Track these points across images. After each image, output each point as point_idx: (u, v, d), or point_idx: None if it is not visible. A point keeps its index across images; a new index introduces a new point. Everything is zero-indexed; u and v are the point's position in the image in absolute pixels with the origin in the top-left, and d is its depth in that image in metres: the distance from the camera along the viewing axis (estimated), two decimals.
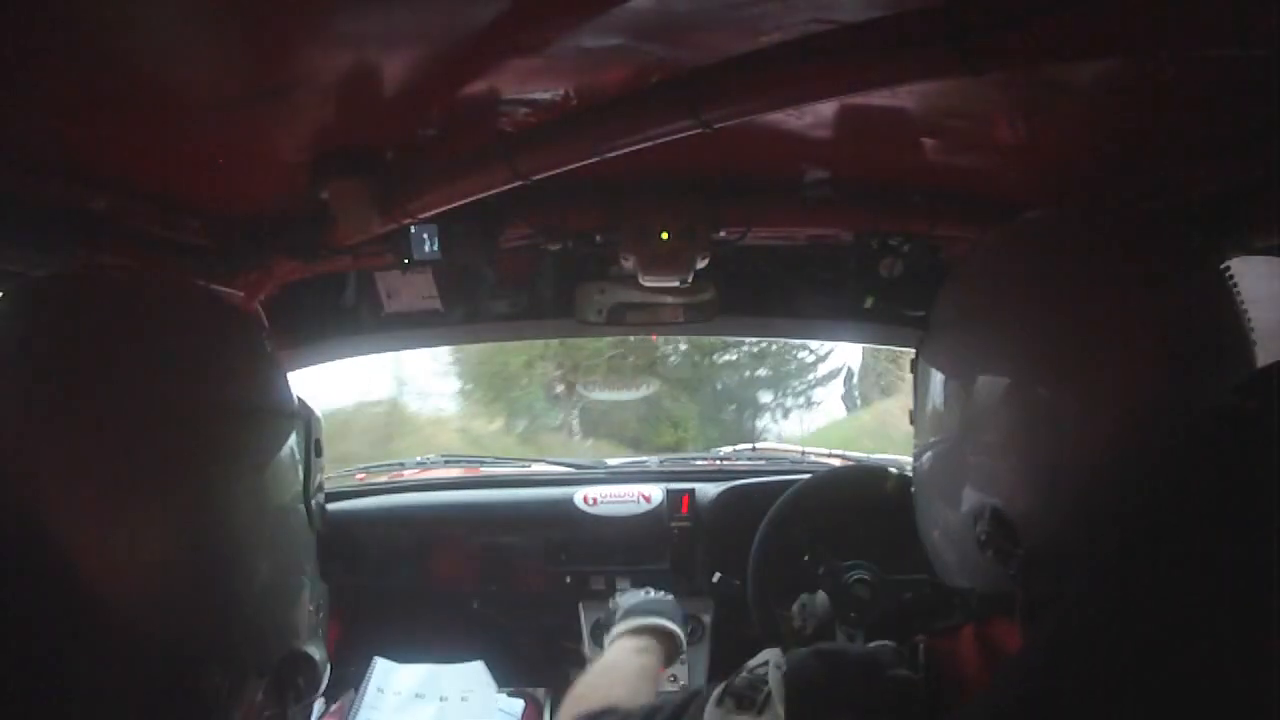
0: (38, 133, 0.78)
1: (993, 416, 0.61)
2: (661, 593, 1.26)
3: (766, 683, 0.64)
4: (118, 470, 0.55)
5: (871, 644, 0.66)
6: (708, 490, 1.66)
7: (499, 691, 1.50)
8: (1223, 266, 0.63)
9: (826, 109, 0.89)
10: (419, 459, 1.95)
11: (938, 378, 0.67)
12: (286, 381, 0.68)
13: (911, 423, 0.73)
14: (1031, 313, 0.61)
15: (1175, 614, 0.49)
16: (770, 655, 0.66)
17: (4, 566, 0.53)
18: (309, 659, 0.65)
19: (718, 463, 1.93)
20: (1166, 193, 0.92)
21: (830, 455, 1.93)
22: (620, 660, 1.07)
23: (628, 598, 1.24)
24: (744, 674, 0.66)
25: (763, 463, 1.91)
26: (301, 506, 0.67)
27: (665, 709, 0.71)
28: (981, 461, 0.62)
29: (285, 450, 0.65)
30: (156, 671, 0.56)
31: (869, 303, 1.32)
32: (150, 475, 0.56)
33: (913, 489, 0.73)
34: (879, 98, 0.81)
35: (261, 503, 0.62)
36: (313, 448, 0.70)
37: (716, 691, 0.66)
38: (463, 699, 1.47)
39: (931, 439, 0.67)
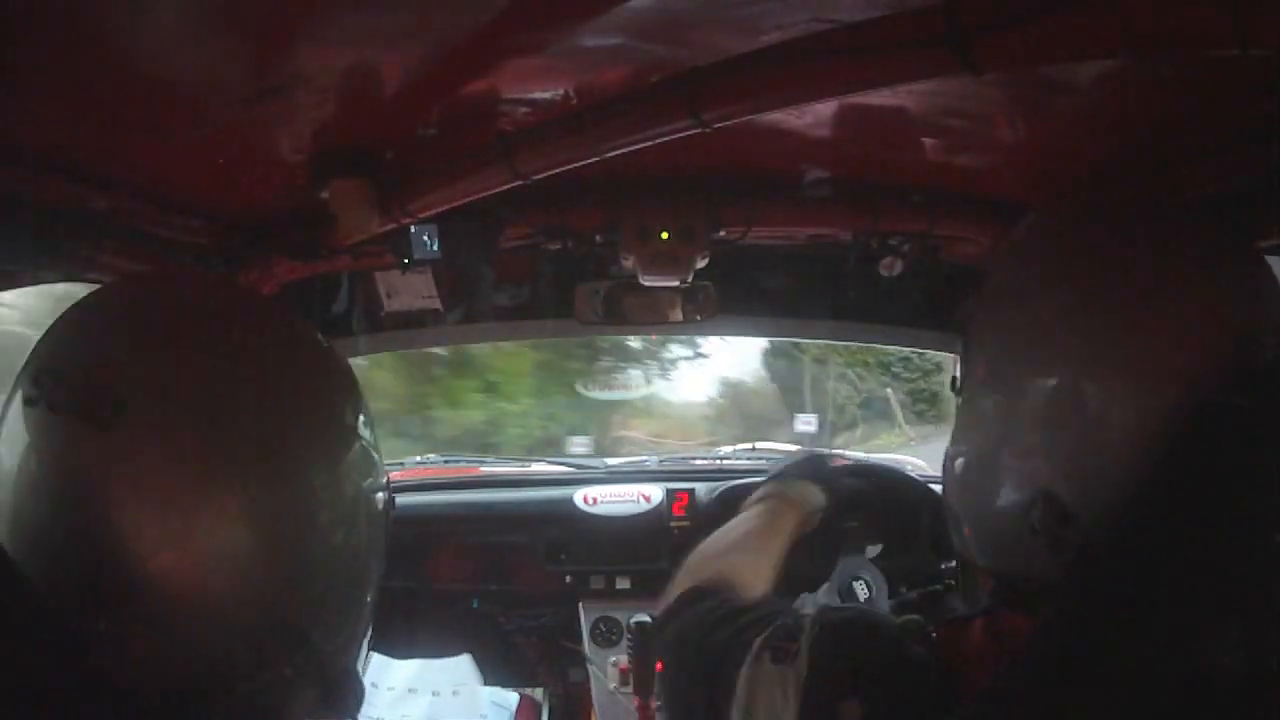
0: (38, 133, 0.78)
1: (1045, 408, 0.61)
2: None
3: (803, 633, 0.64)
4: (200, 472, 0.55)
5: (902, 619, 0.66)
6: (707, 490, 1.67)
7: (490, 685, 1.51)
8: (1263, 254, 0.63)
9: (826, 109, 0.89)
10: (419, 459, 1.96)
11: (987, 369, 0.66)
12: (368, 411, 0.68)
13: (952, 388, 0.72)
14: (1082, 300, 0.60)
15: (1168, 611, 0.49)
16: (815, 609, 0.67)
17: (70, 558, 0.53)
18: (358, 679, 0.66)
19: (717, 462, 1.94)
20: (1166, 193, 0.92)
21: (830, 455, 1.93)
22: (726, 530, 0.97)
23: (794, 460, 1.09)
24: (789, 620, 0.66)
25: (762, 462, 1.92)
26: (377, 528, 0.67)
27: (740, 618, 0.71)
28: (1034, 447, 0.61)
29: (368, 472, 0.65)
30: (215, 673, 0.56)
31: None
32: (234, 480, 0.56)
33: (950, 469, 0.72)
34: (879, 98, 0.81)
35: (342, 518, 0.62)
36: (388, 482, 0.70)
37: (758, 641, 0.66)
38: (454, 693, 1.48)
39: (980, 422, 0.67)
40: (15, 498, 0.55)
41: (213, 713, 0.56)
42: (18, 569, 0.51)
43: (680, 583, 0.85)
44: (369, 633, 0.71)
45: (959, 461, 0.69)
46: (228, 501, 0.55)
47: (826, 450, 1.11)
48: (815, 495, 1.00)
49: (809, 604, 1.30)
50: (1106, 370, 0.58)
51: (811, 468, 1.04)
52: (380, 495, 0.68)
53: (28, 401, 0.55)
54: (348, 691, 0.64)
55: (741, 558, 0.89)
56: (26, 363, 0.57)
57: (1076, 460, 0.59)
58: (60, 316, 0.59)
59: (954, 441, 0.71)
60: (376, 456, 0.67)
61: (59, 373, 0.55)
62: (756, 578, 0.85)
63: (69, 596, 0.52)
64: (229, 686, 0.56)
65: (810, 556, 1.26)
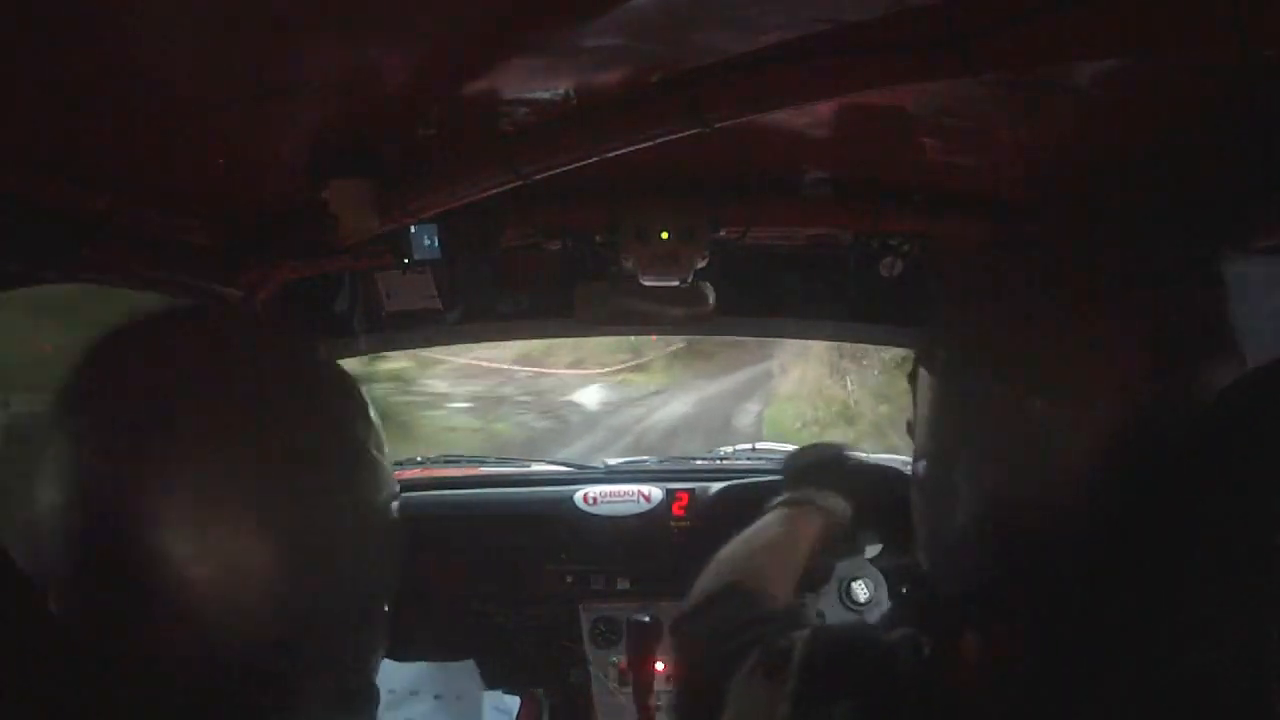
0: (38, 133, 0.78)
1: (991, 420, 0.62)
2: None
3: (794, 650, 0.64)
4: (235, 497, 0.57)
5: (895, 633, 0.66)
6: (707, 490, 1.67)
7: (490, 686, 1.50)
8: (1218, 267, 0.64)
9: (826, 109, 0.89)
10: (419, 459, 1.95)
11: (940, 382, 0.67)
12: (378, 426, 0.70)
13: (909, 432, 0.73)
14: (1027, 315, 0.62)
15: (1170, 616, 0.49)
16: (809, 629, 0.67)
17: (87, 581, 0.55)
18: (375, 689, 0.67)
19: (718, 462, 1.94)
20: (1166, 193, 0.92)
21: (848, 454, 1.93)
22: (754, 534, 0.98)
23: (797, 457, 1.08)
24: (782, 643, 0.67)
25: (763, 462, 1.92)
26: (393, 540, 0.69)
27: (750, 631, 0.71)
28: (985, 458, 0.62)
29: (382, 487, 0.67)
30: (238, 682, 0.57)
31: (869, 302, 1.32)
32: (264, 503, 0.58)
33: (912, 494, 0.73)
34: (879, 98, 0.81)
35: (359, 534, 0.64)
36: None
37: (753, 656, 0.67)
38: (458, 697, 1.47)
39: (934, 443, 0.68)
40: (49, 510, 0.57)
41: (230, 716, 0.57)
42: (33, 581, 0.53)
43: (704, 584, 0.86)
44: (384, 645, 0.72)
45: (919, 476, 0.70)
46: (253, 518, 0.57)
47: (844, 449, 1.10)
48: (840, 506, 1.00)
49: (809, 605, 1.31)
50: (1051, 380, 0.59)
51: (835, 474, 1.04)
52: (394, 505, 0.70)
53: (57, 429, 0.57)
54: (363, 699, 0.66)
55: (767, 564, 0.89)
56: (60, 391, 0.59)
57: (1025, 466, 0.60)
58: (85, 351, 0.61)
59: (914, 460, 0.71)
60: (387, 469, 0.69)
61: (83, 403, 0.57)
62: (780, 585, 0.86)
63: (90, 603, 0.54)
64: (247, 692, 0.57)
65: (826, 563, 1.26)
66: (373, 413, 0.69)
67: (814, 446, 1.10)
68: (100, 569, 0.55)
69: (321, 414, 0.64)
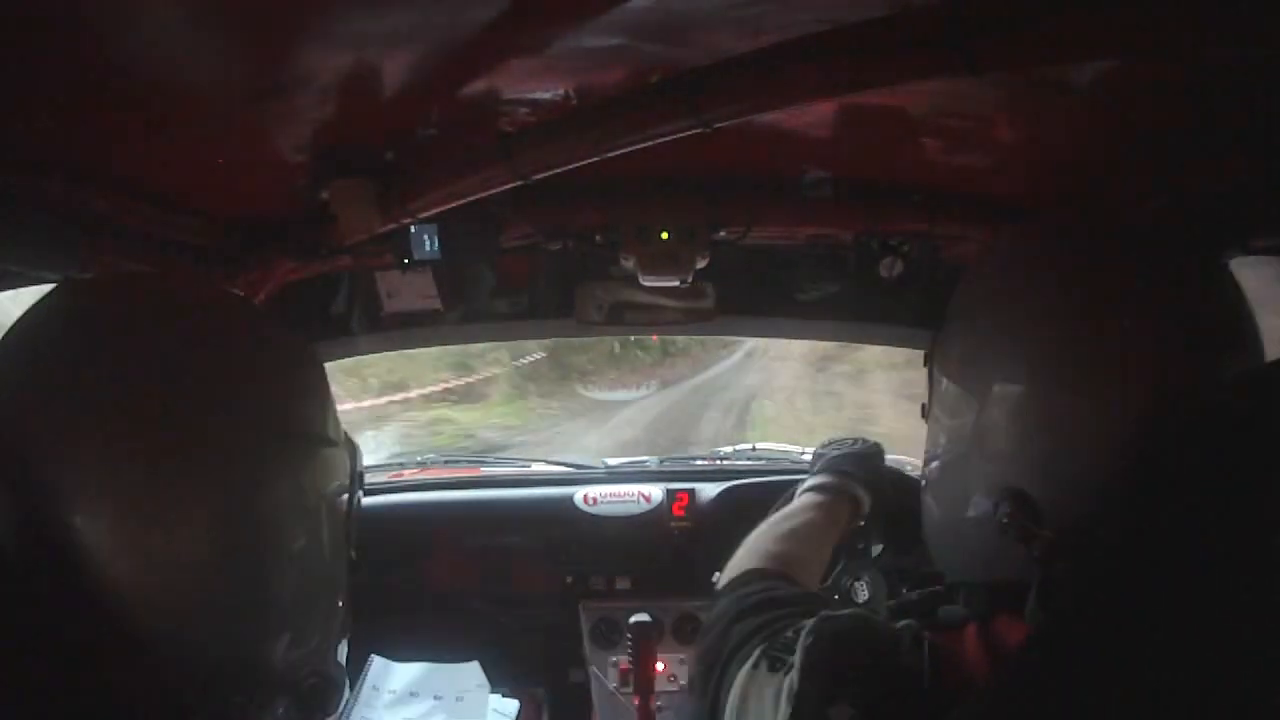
0: (38, 133, 0.78)
1: (1011, 412, 0.63)
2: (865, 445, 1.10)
3: (799, 642, 0.64)
4: (157, 481, 0.54)
5: (899, 623, 0.66)
6: (707, 490, 1.67)
7: (494, 692, 1.50)
8: (1223, 264, 0.64)
9: (826, 109, 0.89)
10: (419, 459, 1.96)
11: (956, 375, 0.68)
12: (334, 410, 0.67)
13: (924, 415, 0.74)
14: (1044, 312, 0.63)
15: (1167, 613, 0.49)
16: (812, 621, 0.67)
17: (34, 574, 0.52)
18: (333, 680, 0.65)
19: (718, 462, 1.94)
20: (1166, 193, 0.92)
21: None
22: (787, 516, 0.99)
23: (831, 448, 1.10)
24: (788, 634, 0.67)
25: (763, 463, 1.92)
26: (341, 529, 0.67)
27: (767, 612, 0.71)
28: (1002, 451, 0.63)
29: (332, 474, 0.65)
30: (184, 685, 0.56)
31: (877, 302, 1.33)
32: (191, 489, 0.55)
33: (924, 485, 0.73)
34: (879, 98, 0.81)
35: (304, 524, 0.62)
36: (356, 478, 0.70)
37: (756, 652, 0.67)
38: (458, 699, 1.47)
39: (949, 435, 0.69)
40: None
41: None
42: None
43: (739, 561, 0.87)
44: (347, 634, 0.70)
45: (933, 467, 0.71)
46: (178, 510, 0.54)
47: (877, 446, 1.11)
48: (866, 499, 1.03)
49: (832, 588, 1.30)
50: (1066, 377, 0.60)
51: (869, 469, 1.06)
52: (343, 497, 0.67)
53: None
54: (323, 697, 0.64)
55: (800, 548, 0.90)
56: None
57: (1041, 459, 0.61)
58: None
59: (927, 450, 0.72)
60: (340, 456, 0.66)
61: None
62: (809, 571, 0.87)
63: (30, 605, 0.52)
64: (192, 698, 0.56)
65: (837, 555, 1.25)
66: (327, 395, 0.66)
67: (847, 439, 1.12)
68: (34, 560, 0.52)
69: (259, 390, 0.59)
